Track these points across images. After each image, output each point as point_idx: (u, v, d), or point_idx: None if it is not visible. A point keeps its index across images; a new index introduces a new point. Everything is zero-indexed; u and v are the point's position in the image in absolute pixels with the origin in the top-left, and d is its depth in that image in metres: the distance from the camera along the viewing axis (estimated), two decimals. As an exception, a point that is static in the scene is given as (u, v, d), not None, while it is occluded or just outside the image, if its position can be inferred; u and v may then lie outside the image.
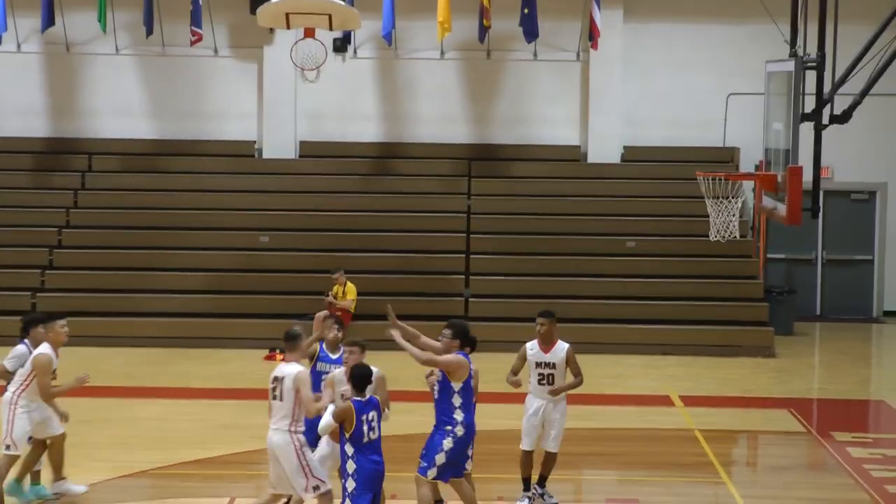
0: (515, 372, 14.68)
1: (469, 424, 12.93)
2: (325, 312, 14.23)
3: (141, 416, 19.10)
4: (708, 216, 20.19)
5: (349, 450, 11.90)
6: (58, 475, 14.56)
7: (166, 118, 30.02)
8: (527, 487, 14.52)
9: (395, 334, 13.07)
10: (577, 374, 14.59)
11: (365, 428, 11.90)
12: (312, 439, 13.08)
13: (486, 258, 27.46)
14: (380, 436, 12.07)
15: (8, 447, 14.20)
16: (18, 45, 29.70)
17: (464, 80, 30.02)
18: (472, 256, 27.51)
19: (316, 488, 12.57)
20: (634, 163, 29.63)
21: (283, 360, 12.89)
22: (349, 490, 11.89)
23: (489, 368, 23.11)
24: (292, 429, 12.56)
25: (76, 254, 27.37)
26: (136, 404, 20.02)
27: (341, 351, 13.36)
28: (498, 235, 27.91)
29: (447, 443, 12.83)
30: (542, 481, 14.64)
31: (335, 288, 24.95)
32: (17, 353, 14.67)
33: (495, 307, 26.29)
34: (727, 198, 19.83)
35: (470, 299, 26.60)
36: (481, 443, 14.87)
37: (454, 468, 13.00)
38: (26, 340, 14.72)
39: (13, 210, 28.15)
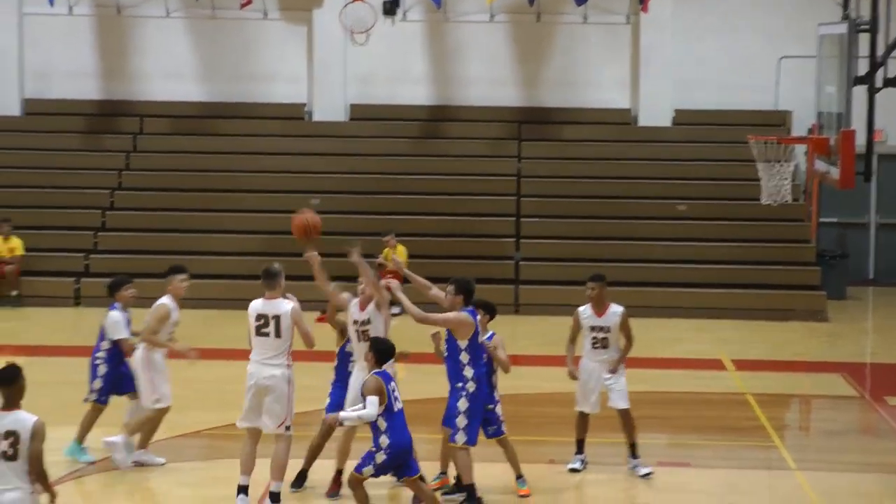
0: (573, 339, 14.58)
1: (480, 378, 12.83)
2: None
3: (195, 377, 19.15)
4: (759, 180, 20.09)
5: (382, 424, 11.81)
6: (144, 444, 14.61)
7: (216, 81, 30.09)
8: (580, 449, 14.48)
9: (395, 287, 13.08)
10: (629, 337, 14.51)
11: (392, 399, 11.90)
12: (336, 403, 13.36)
13: (536, 221, 27.43)
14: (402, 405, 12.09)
15: (158, 400, 14.32)
16: (70, 8, 29.83)
17: (513, 43, 29.94)
18: (522, 220, 27.49)
19: (287, 428, 12.73)
20: (686, 126, 29.50)
21: (266, 297, 12.86)
22: (377, 461, 11.82)
23: (539, 331, 23.28)
24: (288, 363, 12.80)
25: (128, 215, 27.54)
26: (190, 365, 20.09)
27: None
28: (549, 199, 27.87)
29: (461, 403, 12.76)
30: (633, 450, 14.39)
31: (386, 250, 25.01)
32: (116, 320, 14.60)
33: (546, 270, 26.28)
34: (779, 161, 19.74)
35: (521, 263, 26.59)
36: (532, 405, 14.90)
37: (478, 426, 12.91)
38: (116, 304, 14.70)
39: (66, 172, 28.34)
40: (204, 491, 13.71)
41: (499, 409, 13.42)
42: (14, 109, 29.80)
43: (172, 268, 14.72)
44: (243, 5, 28.43)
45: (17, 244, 25.85)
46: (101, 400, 14.66)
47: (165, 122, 29.66)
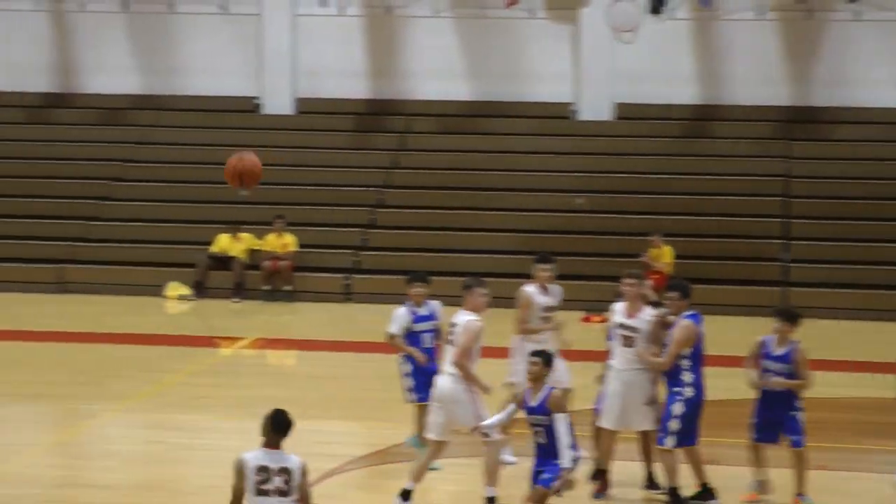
0: None
1: (698, 384, 12.67)
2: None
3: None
4: None
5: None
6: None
7: (483, 79, 30.31)
8: None
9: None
10: None
11: None
12: None
13: (808, 223, 26.87)
14: None
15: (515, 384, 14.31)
16: (341, 8, 30.43)
17: (783, 41, 29.40)
18: (793, 221, 26.97)
19: (485, 434, 12.52)
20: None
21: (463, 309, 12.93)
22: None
23: (814, 335, 22.69)
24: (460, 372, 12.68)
25: (397, 213, 27.90)
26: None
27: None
28: (821, 200, 27.29)
29: (677, 407, 12.64)
30: None
31: (651, 250, 24.86)
32: (395, 314, 14.44)
33: (818, 273, 25.71)
34: None
35: (791, 264, 26.08)
36: (810, 410, 14.50)
37: (692, 431, 12.72)
38: (409, 301, 14.71)
39: (336, 170, 28.88)
40: (466, 487, 13.78)
41: (801, 417, 12.88)
42: (287, 108, 30.55)
43: (537, 256, 14.77)
44: (508, 5, 28.57)
45: (290, 240, 26.49)
46: (420, 398, 14.45)
47: (433, 120, 30.01)
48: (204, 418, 17.06)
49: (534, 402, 11.60)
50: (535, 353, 11.80)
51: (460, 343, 12.71)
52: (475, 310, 12.93)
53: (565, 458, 11.42)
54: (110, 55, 31.00)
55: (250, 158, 12.61)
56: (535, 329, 14.29)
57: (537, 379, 11.64)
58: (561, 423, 11.43)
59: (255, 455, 9.47)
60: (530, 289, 14.38)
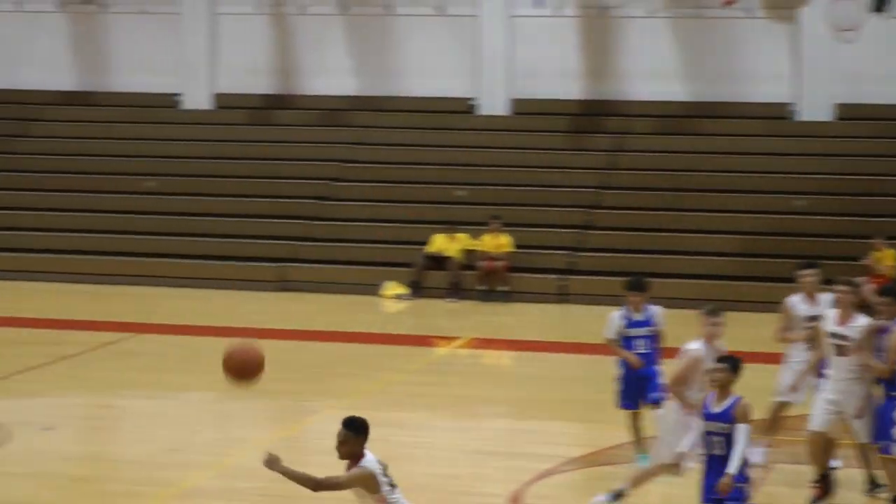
0: None
1: None
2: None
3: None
4: None
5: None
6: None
7: (700, 80, 30.02)
8: None
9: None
10: None
11: None
12: None
13: None
14: None
15: (779, 393, 14.29)
16: (557, 9, 30.44)
17: None
18: None
19: (681, 456, 12.38)
20: None
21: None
22: (746, 492, 11.07)
23: None
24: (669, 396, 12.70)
25: (615, 214, 27.76)
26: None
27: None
28: None
29: None
30: None
31: (874, 254, 24.34)
32: (609, 317, 14.51)
33: None
34: None
35: None
36: None
37: None
38: (626, 305, 14.72)
39: (552, 171, 28.87)
40: (682, 491, 13.66)
41: None
42: (502, 109, 30.63)
43: (799, 262, 14.64)
44: (725, 4, 28.24)
45: (505, 241, 26.59)
46: (626, 405, 14.48)
47: (649, 121, 29.79)
48: (422, 416, 17.28)
49: (717, 409, 11.09)
50: (721, 359, 11.34)
51: (676, 370, 12.64)
52: (706, 337, 12.66)
53: (732, 465, 10.92)
54: (329, 57, 31.55)
55: (243, 351, 10.10)
56: (789, 339, 14.18)
57: (723, 386, 11.13)
58: (743, 433, 10.95)
59: (371, 466, 9.70)
60: (793, 298, 14.20)
